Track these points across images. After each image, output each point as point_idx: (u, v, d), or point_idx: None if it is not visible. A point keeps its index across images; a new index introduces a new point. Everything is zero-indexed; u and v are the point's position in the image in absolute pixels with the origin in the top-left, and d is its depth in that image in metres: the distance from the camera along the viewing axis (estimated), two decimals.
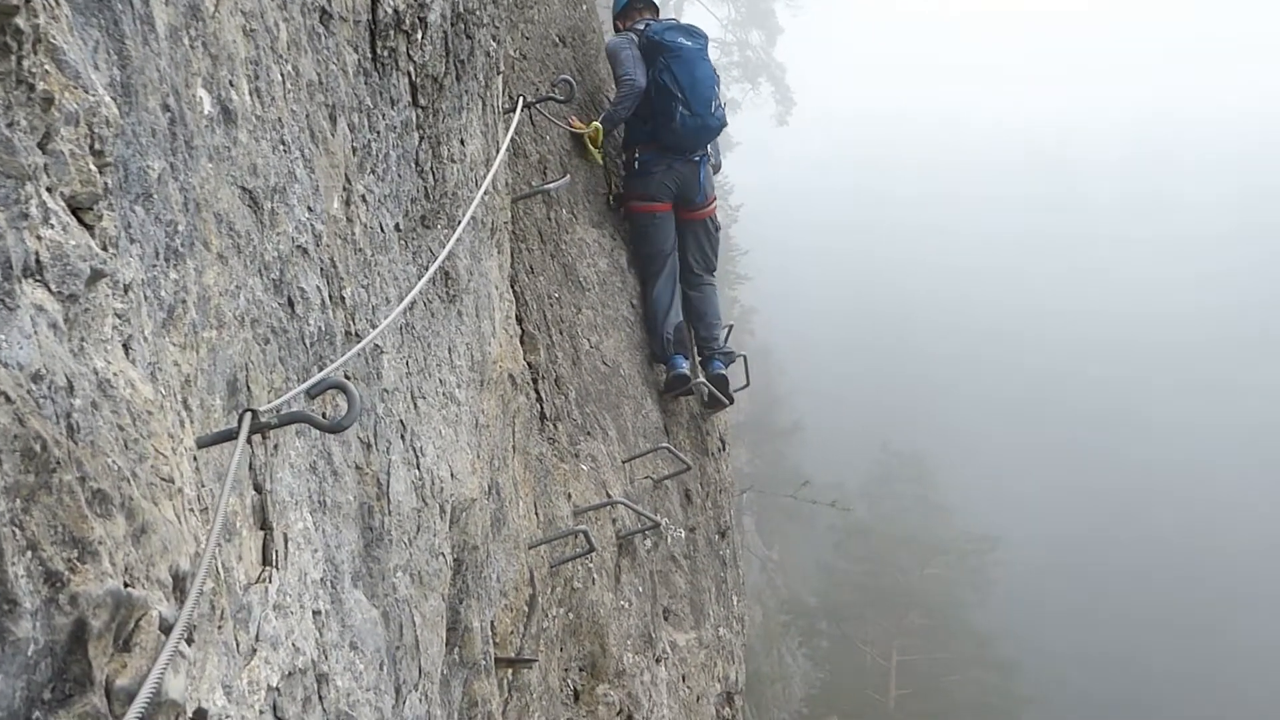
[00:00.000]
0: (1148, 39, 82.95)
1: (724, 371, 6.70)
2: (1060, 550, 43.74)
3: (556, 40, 6.10)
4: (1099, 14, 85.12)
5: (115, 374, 1.62)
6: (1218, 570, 44.41)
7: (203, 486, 1.73)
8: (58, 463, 1.26)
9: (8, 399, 1.22)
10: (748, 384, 6.92)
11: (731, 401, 6.80)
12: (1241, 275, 63.26)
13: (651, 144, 6.37)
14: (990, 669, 28.61)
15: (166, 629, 1.43)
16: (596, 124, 6.12)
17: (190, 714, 1.60)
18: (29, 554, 1.19)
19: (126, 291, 1.71)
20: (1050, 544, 43.30)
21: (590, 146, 6.19)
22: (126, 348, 1.70)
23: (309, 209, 2.20)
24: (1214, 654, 40.51)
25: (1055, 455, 49.90)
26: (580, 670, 4.29)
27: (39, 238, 1.43)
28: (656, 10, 6.93)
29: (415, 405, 2.58)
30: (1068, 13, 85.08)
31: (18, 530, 1.18)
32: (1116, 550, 44.91)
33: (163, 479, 1.67)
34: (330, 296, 2.19)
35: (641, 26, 6.54)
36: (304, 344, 2.05)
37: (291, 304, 2.04)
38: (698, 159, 6.54)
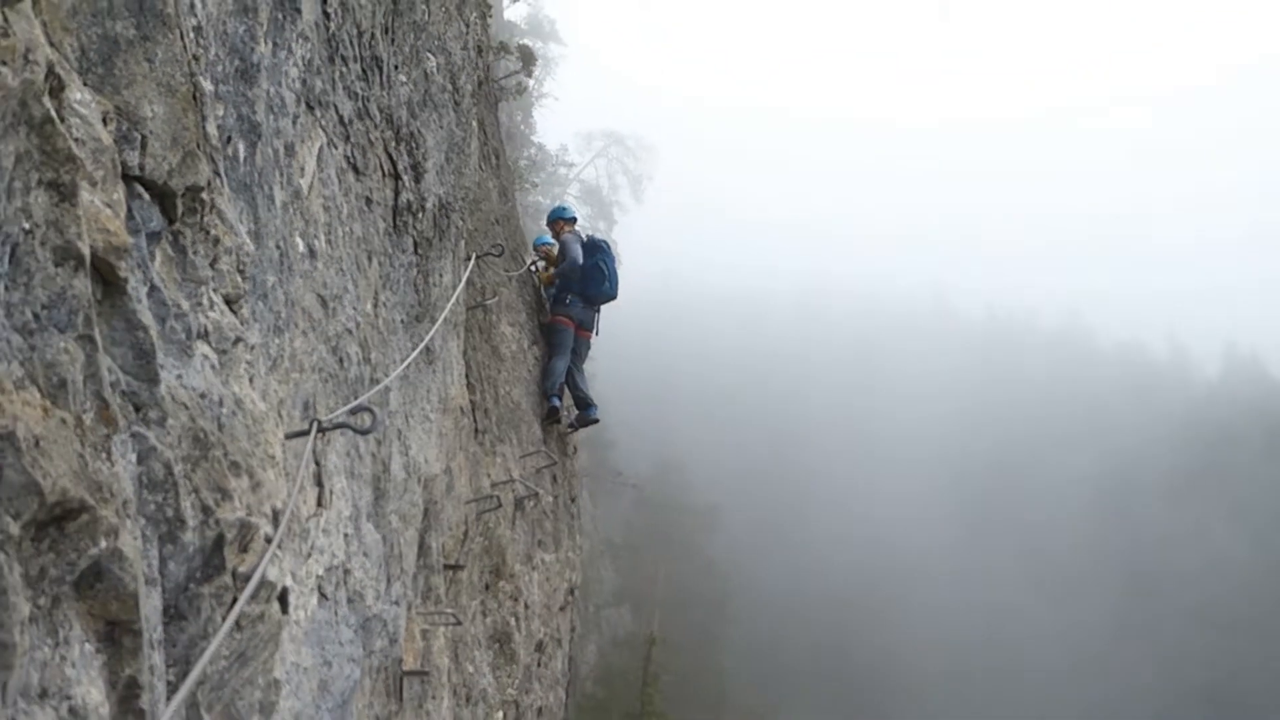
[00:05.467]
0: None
1: (597, 417, 11.38)
2: None
3: (495, 221, 9.66)
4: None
5: (244, 395, 2.85)
6: None
7: (287, 460, 3.04)
8: (211, 444, 2.34)
9: (186, 407, 2.42)
10: (597, 421, 11.64)
11: (597, 422, 11.50)
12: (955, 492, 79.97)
13: (580, 294, 10.94)
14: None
15: (268, 540, 2.57)
16: (550, 272, 11.22)
17: (279, 589, 2.80)
18: (193, 495, 2.13)
19: (251, 350, 2.98)
20: None
21: (540, 277, 11.32)
22: (250, 381, 2.96)
23: (354, 308, 3.57)
24: None
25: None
26: (490, 572, 6.87)
27: (206, 317, 2.66)
28: (575, 221, 11.77)
29: (408, 420, 3.96)
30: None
31: (188, 481, 2.17)
32: None
33: (268, 456, 2.91)
34: (364, 358, 3.55)
35: (580, 233, 11.33)
36: (347, 384, 3.40)
37: (342, 361, 3.40)
38: (597, 310, 11.22)
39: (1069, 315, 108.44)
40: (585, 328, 11.20)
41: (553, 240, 11.71)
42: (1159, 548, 69.95)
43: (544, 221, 12.55)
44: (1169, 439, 79.34)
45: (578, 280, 10.96)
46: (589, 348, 11.46)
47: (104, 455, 1.42)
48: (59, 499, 1.19)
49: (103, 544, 1.33)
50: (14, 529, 1.10)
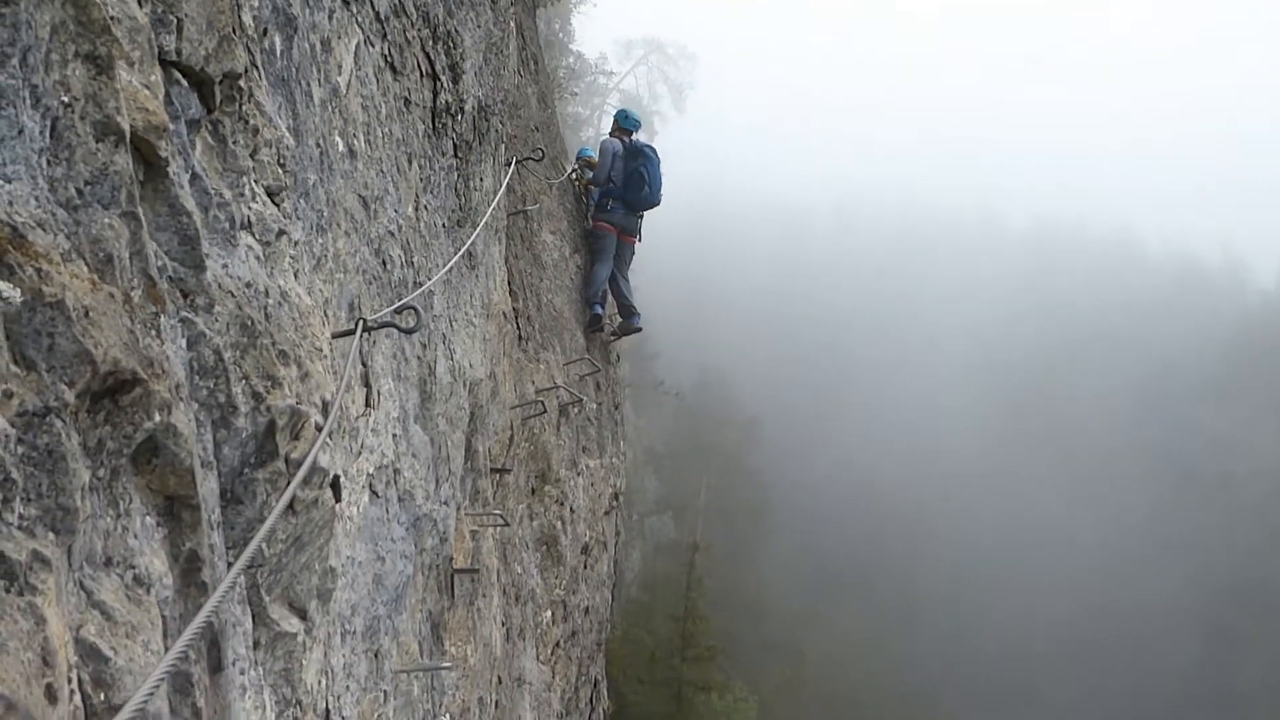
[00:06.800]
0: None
1: (640, 325, 11.39)
2: None
3: (534, 128, 9.71)
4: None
5: (290, 288, 2.85)
6: None
7: (335, 360, 3.06)
8: (259, 332, 2.39)
9: (233, 295, 2.44)
10: (640, 329, 11.56)
11: (639, 330, 11.41)
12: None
13: (621, 200, 10.93)
14: None
15: (318, 429, 2.63)
16: (588, 177, 11.19)
17: (330, 477, 2.85)
18: (244, 381, 2.19)
19: (295, 245, 2.97)
20: None
21: (580, 185, 11.24)
22: (295, 275, 2.96)
23: (395, 210, 3.54)
24: None
25: None
26: (536, 477, 7.12)
27: (249, 208, 2.65)
28: (636, 129, 11.70)
29: (451, 324, 3.97)
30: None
31: (238, 368, 2.29)
32: None
33: (315, 349, 2.92)
34: (406, 261, 3.54)
35: (628, 139, 11.23)
36: (390, 286, 3.40)
37: (385, 263, 3.39)
38: (640, 215, 11.20)
39: (1119, 221, 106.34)
40: (628, 233, 11.17)
41: (594, 152, 11.70)
42: (1205, 452, 69.82)
43: (583, 134, 13.33)
44: (1219, 343, 78.47)
45: (619, 186, 10.94)
46: (633, 254, 11.46)
47: (153, 332, 1.42)
48: (111, 369, 1.19)
49: (157, 418, 1.33)
50: (69, 396, 1.10)
